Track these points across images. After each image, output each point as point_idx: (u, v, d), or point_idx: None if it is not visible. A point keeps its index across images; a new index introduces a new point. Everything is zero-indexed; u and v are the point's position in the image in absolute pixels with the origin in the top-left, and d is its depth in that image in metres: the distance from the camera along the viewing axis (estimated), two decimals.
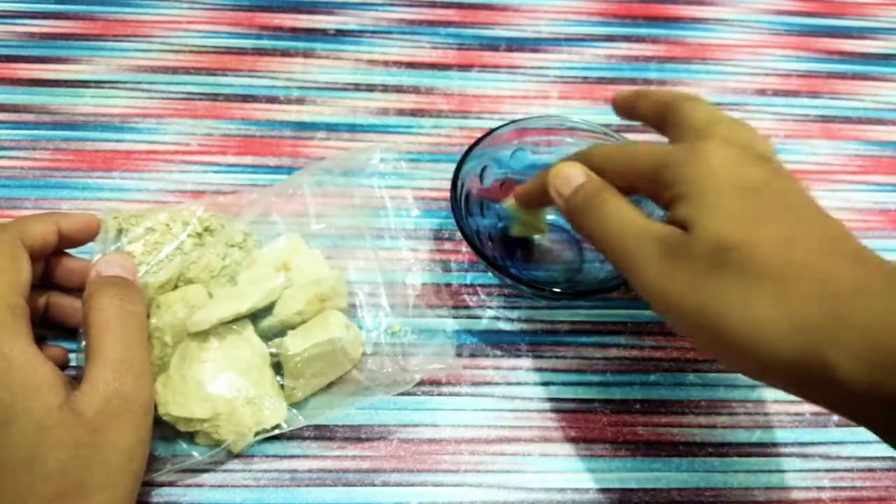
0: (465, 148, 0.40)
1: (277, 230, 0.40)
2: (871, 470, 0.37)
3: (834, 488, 0.37)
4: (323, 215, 0.42)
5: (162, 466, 0.34)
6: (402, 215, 0.43)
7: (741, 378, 0.40)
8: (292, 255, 0.38)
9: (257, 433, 0.35)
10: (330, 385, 0.37)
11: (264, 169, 0.45)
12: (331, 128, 0.47)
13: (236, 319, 0.36)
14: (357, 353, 0.37)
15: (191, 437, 0.35)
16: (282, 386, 0.36)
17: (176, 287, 0.38)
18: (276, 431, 0.35)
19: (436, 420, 0.37)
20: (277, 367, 0.36)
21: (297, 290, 0.37)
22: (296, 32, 0.52)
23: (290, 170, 0.45)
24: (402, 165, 0.45)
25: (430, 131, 0.48)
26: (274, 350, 0.36)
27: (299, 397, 0.36)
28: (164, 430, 0.35)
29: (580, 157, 0.33)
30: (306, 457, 0.36)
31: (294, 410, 0.36)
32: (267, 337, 0.37)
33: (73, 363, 0.37)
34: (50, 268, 0.35)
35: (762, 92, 0.52)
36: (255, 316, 0.37)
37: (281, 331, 0.37)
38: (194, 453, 0.34)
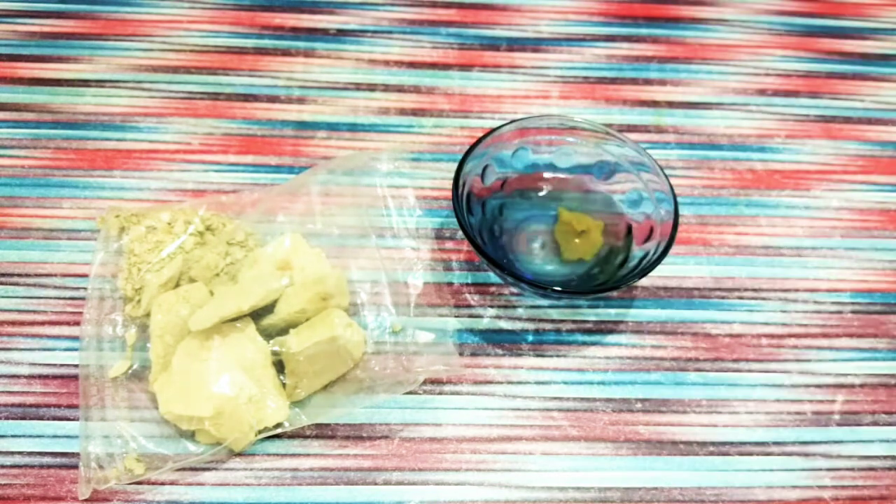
0: (467, 147, 0.40)
1: (281, 229, 0.40)
2: (872, 469, 0.37)
3: (835, 487, 0.37)
4: (326, 215, 0.42)
5: (163, 464, 0.34)
6: (404, 214, 0.43)
7: (742, 377, 0.40)
8: (294, 254, 0.38)
9: (259, 432, 0.35)
10: (332, 384, 0.37)
11: (265, 168, 0.45)
12: (332, 127, 0.47)
13: (238, 318, 0.36)
14: (359, 352, 0.37)
15: (192, 435, 0.35)
16: (283, 384, 0.36)
17: (177, 286, 0.38)
18: (278, 430, 0.35)
19: (437, 419, 0.37)
20: (279, 366, 0.36)
21: (298, 288, 0.37)
22: (297, 32, 0.52)
23: (291, 169, 0.45)
24: (403, 165, 0.45)
25: (432, 131, 0.48)
26: (276, 348, 0.36)
27: (301, 396, 0.36)
28: (166, 428, 0.35)
29: None
30: (308, 455, 0.36)
31: (296, 409, 0.36)
32: (269, 335, 0.37)
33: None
34: None
35: (763, 92, 0.52)
36: (257, 314, 0.37)
37: (283, 329, 0.37)
38: (196, 451, 0.34)
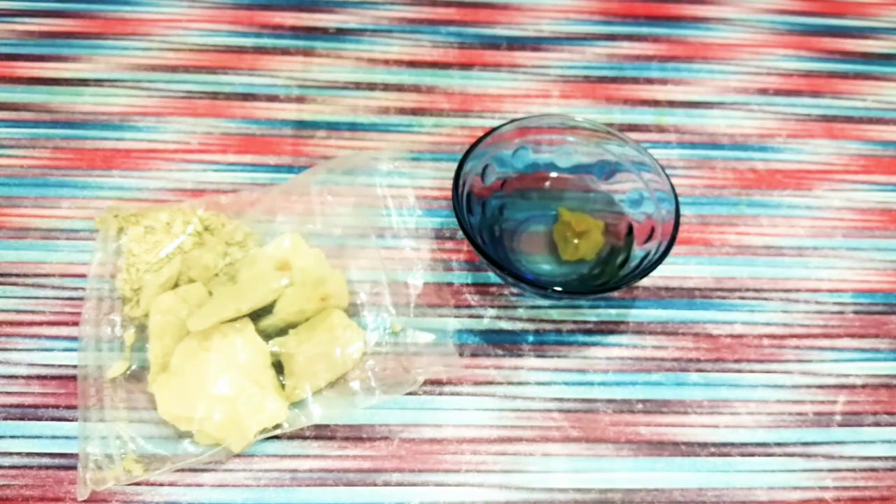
0: (467, 147, 0.40)
1: (280, 229, 0.40)
2: (873, 470, 0.37)
3: (837, 488, 0.37)
4: (325, 215, 0.41)
5: (162, 465, 0.34)
6: (404, 214, 0.43)
7: (744, 378, 0.40)
8: (293, 254, 0.38)
9: (258, 432, 0.35)
10: (331, 384, 0.37)
11: (264, 168, 0.45)
12: (331, 126, 0.47)
13: (237, 318, 0.36)
14: (358, 353, 0.37)
15: (191, 436, 0.35)
16: (283, 385, 0.36)
17: (176, 286, 0.37)
18: (277, 431, 0.35)
19: (437, 419, 0.37)
20: (279, 367, 0.36)
21: (298, 288, 0.37)
22: (296, 31, 0.52)
23: (290, 168, 0.45)
24: (403, 165, 0.45)
25: (432, 130, 0.48)
26: (275, 349, 0.36)
27: (300, 397, 0.36)
28: (165, 429, 0.35)
29: None
30: (307, 456, 0.36)
31: (295, 410, 0.36)
32: (268, 336, 0.36)
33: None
34: None
35: (764, 91, 0.52)
36: (256, 315, 0.37)
37: (282, 330, 0.37)
38: (195, 452, 0.34)
